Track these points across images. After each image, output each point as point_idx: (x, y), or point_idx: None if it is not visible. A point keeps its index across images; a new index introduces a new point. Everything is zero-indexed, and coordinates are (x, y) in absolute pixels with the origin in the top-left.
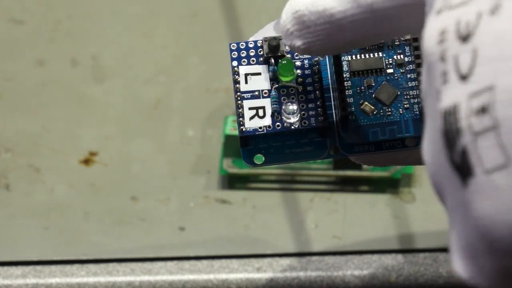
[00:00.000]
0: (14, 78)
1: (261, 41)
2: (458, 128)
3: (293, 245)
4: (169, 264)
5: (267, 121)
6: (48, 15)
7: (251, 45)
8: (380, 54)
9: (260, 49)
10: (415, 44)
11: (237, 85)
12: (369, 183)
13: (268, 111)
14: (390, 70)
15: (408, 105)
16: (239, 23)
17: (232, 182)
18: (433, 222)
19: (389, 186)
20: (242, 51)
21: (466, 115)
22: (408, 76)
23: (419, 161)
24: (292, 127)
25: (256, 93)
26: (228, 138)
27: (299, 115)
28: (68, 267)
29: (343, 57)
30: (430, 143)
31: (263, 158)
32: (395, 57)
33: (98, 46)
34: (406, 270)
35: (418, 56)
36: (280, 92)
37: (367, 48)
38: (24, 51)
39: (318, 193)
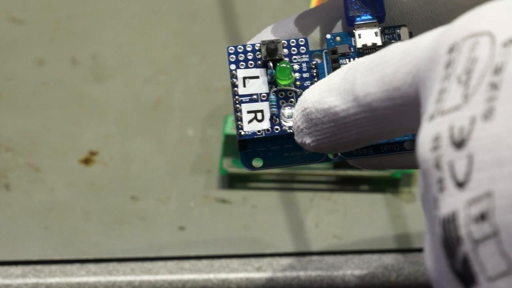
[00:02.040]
0: (14, 77)
1: (259, 45)
2: (458, 236)
3: (293, 245)
4: (169, 263)
5: (266, 124)
6: (48, 15)
7: (249, 49)
8: None
9: (258, 53)
10: None
11: (235, 88)
12: (369, 183)
13: (267, 115)
14: None
15: None
16: (239, 22)
17: (232, 181)
18: None
19: (389, 185)
20: (240, 55)
21: (465, 222)
22: None
23: (417, 165)
24: (291, 131)
25: (255, 96)
26: (228, 138)
27: None
28: (68, 267)
29: (341, 61)
30: (431, 250)
31: (262, 162)
32: None
33: (98, 46)
34: (406, 269)
35: None
36: (279, 95)
37: (365, 51)
38: (24, 51)
39: (318, 192)
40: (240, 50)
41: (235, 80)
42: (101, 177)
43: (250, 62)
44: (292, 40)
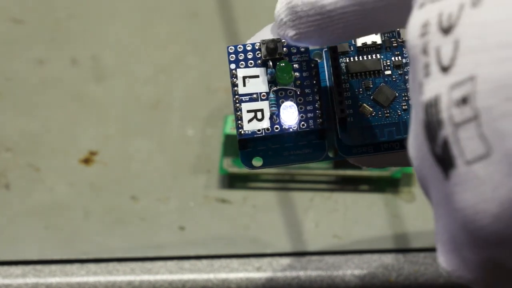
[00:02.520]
0: (14, 77)
1: (259, 44)
2: (439, 119)
3: (293, 245)
4: (169, 263)
5: (266, 123)
6: (48, 15)
7: (248, 48)
8: (378, 55)
9: (258, 52)
10: None
11: (235, 88)
12: (369, 183)
13: (267, 114)
14: (388, 72)
15: (406, 106)
16: (239, 22)
17: (232, 181)
18: (433, 222)
19: (389, 185)
20: (240, 54)
21: (447, 106)
22: (406, 77)
23: None
24: (291, 130)
25: (254, 95)
26: (228, 138)
27: (297, 117)
28: (68, 267)
29: (341, 59)
30: (414, 137)
31: (262, 161)
32: (393, 58)
33: (98, 46)
34: (406, 269)
35: None
36: (278, 94)
37: (365, 49)
38: (24, 51)
39: (318, 192)
40: (240, 50)
41: (235, 79)
42: (101, 177)
43: (250, 61)
44: None
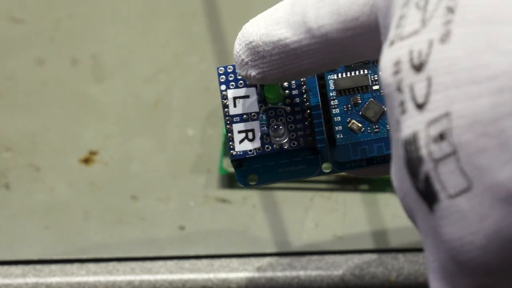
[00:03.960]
0: (14, 77)
1: None
2: (419, 156)
3: (293, 244)
4: (169, 263)
5: (257, 143)
6: (48, 14)
7: None
8: (366, 71)
9: None
10: None
11: (226, 109)
12: (369, 183)
13: (258, 134)
14: (376, 87)
15: None
16: (239, 22)
17: (232, 181)
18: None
19: (389, 185)
20: (230, 75)
21: (426, 143)
22: None
23: None
24: (285, 147)
25: (245, 116)
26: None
27: (288, 136)
28: (68, 266)
29: (329, 76)
30: (396, 169)
31: (257, 178)
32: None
33: (98, 45)
34: (406, 269)
35: None
36: (269, 114)
37: (352, 65)
38: (24, 50)
39: (318, 192)
40: (230, 70)
41: (226, 101)
42: (101, 176)
43: (240, 81)
44: None
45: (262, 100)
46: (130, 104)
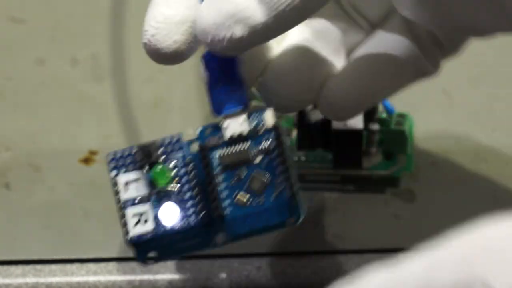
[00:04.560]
0: (14, 77)
1: (136, 149)
2: None
3: (293, 244)
4: (169, 262)
5: (151, 225)
6: (48, 15)
7: (126, 153)
8: (247, 144)
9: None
10: (277, 132)
11: (118, 195)
12: (369, 182)
13: (151, 216)
14: (259, 159)
15: (277, 191)
16: None
17: None
18: (433, 222)
19: (389, 185)
20: (120, 160)
21: None
22: (275, 162)
23: None
24: (174, 229)
25: (137, 199)
26: None
27: (179, 215)
28: (68, 266)
29: (212, 153)
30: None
31: (156, 255)
32: (260, 146)
33: (98, 45)
34: None
35: (280, 142)
36: (159, 195)
37: (233, 141)
38: (24, 50)
39: (318, 192)
40: (119, 155)
41: (116, 187)
42: (101, 176)
43: (130, 165)
44: (167, 139)
45: (151, 182)
46: (130, 104)
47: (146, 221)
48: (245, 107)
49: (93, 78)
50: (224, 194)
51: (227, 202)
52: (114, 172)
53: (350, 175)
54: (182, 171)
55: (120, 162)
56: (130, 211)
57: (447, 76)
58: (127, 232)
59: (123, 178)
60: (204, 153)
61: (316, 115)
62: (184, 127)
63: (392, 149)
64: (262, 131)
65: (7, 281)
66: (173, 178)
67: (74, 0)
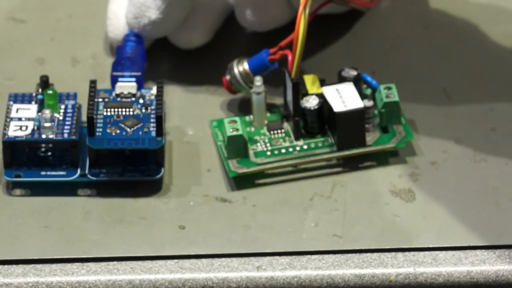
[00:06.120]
0: (15, 77)
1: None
2: None
3: (293, 244)
4: (169, 262)
5: (28, 132)
6: (49, 15)
7: (28, 95)
8: (133, 99)
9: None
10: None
11: (8, 113)
12: (371, 159)
13: (30, 127)
14: (138, 111)
15: (147, 130)
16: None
17: (232, 181)
18: (433, 221)
19: (388, 183)
20: (20, 97)
21: None
22: (151, 115)
23: None
24: (48, 138)
25: (23, 118)
26: (230, 140)
27: (56, 131)
28: (68, 266)
29: (102, 99)
30: None
31: (21, 175)
32: (144, 104)
33: (98, 45)
34: (405, 268)
35: (160, 105)
36: (45, 116)
37: (121, 96)
38: (24, 50)
39: (318, 192)
40: (21, 97)
41: (8, 111)
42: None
43: (26, 99)
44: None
45: (41, 102)
46: None
47: (25, 129)
48: (138, 84)
49: (93, 77)
50: (99, 124)
51: (99, 129)
52: (11, 102)
53: (355, 154)
54: (72, 102)
55: (20, 99)
56: (14, 123)
57: (447, 76)
58: (5, 133)
59: (16, 106)
60: (92, 89)
61: (309, 103)
62: (184, 127)
63: (389, 120)
64: (147, 96)
65: (7, 280)
66: (60, 105)
67: (74, 0)
